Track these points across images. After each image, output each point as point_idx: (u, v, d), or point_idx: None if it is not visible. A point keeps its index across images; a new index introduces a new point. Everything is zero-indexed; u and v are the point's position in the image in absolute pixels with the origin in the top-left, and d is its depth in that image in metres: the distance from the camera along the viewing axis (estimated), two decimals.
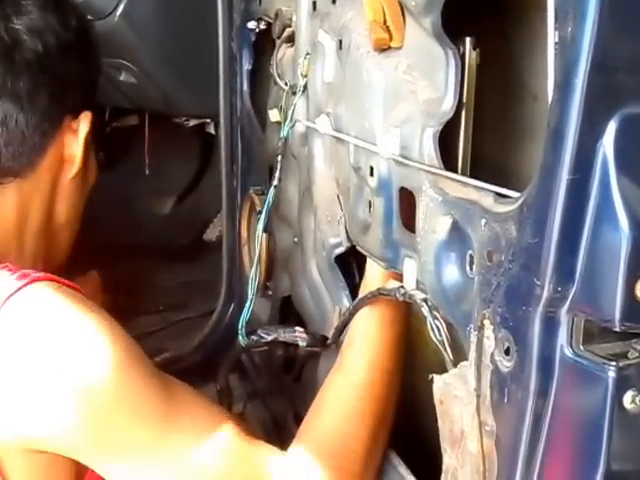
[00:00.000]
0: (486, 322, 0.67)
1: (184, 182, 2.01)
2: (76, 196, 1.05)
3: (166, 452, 0.82)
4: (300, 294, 1.22)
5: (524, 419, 0.64)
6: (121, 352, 0.82)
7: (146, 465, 0.82)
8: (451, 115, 0.74)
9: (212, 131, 1.75)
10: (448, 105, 0.74)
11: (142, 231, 1.90)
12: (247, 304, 1.10)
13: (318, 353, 1.15)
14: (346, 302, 1.07)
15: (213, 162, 1.93)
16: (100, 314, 0.84)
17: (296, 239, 1.23)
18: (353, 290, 1.07)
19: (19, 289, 0.82)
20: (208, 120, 1.71)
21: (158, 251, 1.92)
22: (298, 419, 1.26)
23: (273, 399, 1.38)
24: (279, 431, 1.32)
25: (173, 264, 1.96)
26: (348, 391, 0.92)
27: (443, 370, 0.96)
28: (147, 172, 1.77)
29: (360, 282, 1.04)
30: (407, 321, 0.95)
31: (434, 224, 0.75)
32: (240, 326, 1.09)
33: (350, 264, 1.10)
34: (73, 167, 1.01)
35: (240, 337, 1.09)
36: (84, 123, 1.01)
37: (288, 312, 1.34)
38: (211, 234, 2.02)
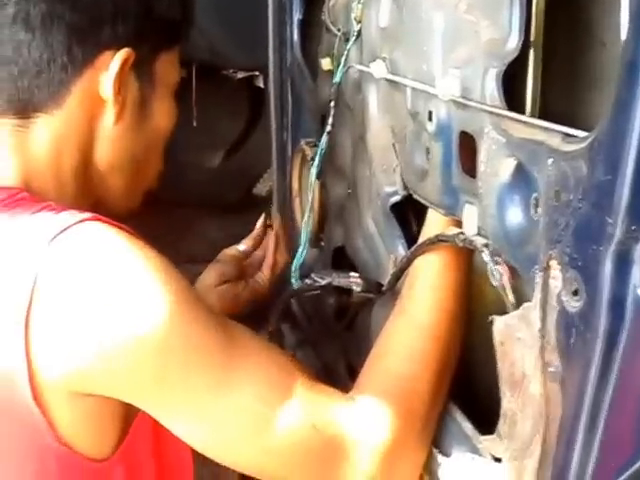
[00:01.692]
0: (553, 262, 0.66)
1: (233, 136, 2.00)
2: (126, 142, 0.99)
3: (226, 397, 0.81)
4: (354, 244, 1.21)
5: (592, 361, 0.63)
6: (178, 292, 0.81)
7: (204, 411, 0.81)
8: (515, 55, 0.72)
9: (261, 84, 1.74)
10: (512, 45, 0.71)
11: (191, 184, 1.90)
12: (300, 248, 1.09)
13: (372, 301, 1.14)
14: (401, 251, 1.06)
15: (262, 116, 1.92)
16: (154, 254, 0.83)
17: (350, 190, 1.22)
18: (408, 240, 1.07)
19: (67, 227, 0.81)
20: (257, 73, 1.69)
21: (208, 205, 1.92)
22: (350, 368, 1.27)
23: (324, 347, 1.38)
24: (330, 379, 1.32)
25: (223, 218, 1.96)
26: (410, 332, 0.91)
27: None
28: (195, 124, 1.76)
29: (416, 232, 1.04)
30: (469, 267, 0.93)
31: (497, 167, 0.74)
32: (293, 269, 1.09)
33: (406, 214, 1.08)
34: (110, 109, 0.95)
35: (293, 280, 1.09)
36: (116, 61, 0.93)
37: (340, 264, 1.33)
38: (261, 189, 2.02)
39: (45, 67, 0.91)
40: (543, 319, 0.68)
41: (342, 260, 1.30)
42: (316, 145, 1.34)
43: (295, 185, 1.47)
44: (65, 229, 0.81)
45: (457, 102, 0.79)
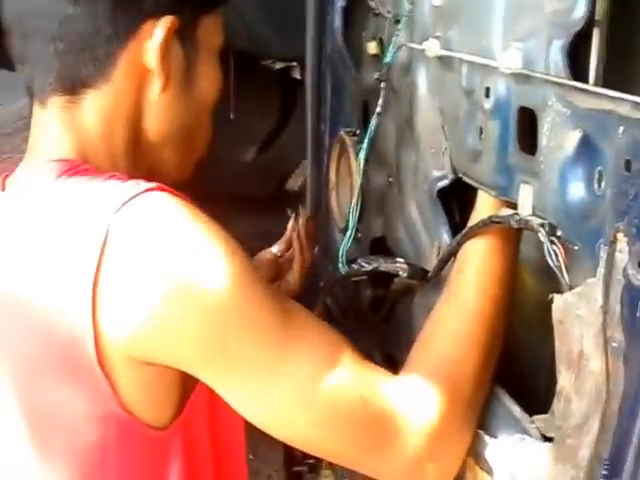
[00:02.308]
0: (619, 235, 0.65)
1: (266, 130, 2.00)
2: (174, 111, 0.97)
3: (281, 370, 0.82)
4: (395, 234, 1.20)
5: None
6: (239, 265, 0.82)
7: (259, 382, 0.82)
8: (582, 25, 0.71)
9: (297, 76, 1.73)
10: (579, 14, 0.70)
11: (224, 178, 1.90)
12: (348, 233, 1.08)
13: (411, 292, 1.13)
14: (446, 238, 1.05)
15: (296, 111, 1.92)
16: (216, 226, 0.83)
17: (391, 178, 1.21)
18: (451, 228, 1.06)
19: (135, 196, 0.82)
20: (294, 63, 1.68)
21: (240, 199, 1.92)
22: (389, 359, 1.26)
23: (360, 339, 1.37)
24: None
25: (254, 212, 1.96)
26: (459, 317, 0.91)
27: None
28: (232, 116, 1.76)
29: (459, 220, 1.03)
30: (516, 252, 0.93)
31: (561, 140, 0.73)
32: (340, 254, 1.08)
33: (450, 202, 1.07)
34: (156, 79, 0.94)
35: (340, 265, 1.09)
36: (160, 29, 0.92)
37: (377, 253, 1.32)
38: (293, 184, 2.01)
39: (91, 41, 0.91)
40: (606, 294, 0.67)
41: (379, 252, 1.29)
42: (356, 134, 1.34)
43: (332, 177, 1.46)
44: (132, 197, 0.82)
45: (517, 76, 0.78)
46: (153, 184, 0.85)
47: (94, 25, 0.90)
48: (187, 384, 0.87)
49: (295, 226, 1.39)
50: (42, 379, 0.84)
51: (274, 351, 0.82)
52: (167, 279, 0.79)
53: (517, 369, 0.98)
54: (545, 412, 0.80)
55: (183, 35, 0.95)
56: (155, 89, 0.95)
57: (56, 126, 0.94)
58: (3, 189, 0.95)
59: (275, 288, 0.89)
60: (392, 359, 1.25)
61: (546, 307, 0.91)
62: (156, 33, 0.92)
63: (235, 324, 0.80)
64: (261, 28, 1.58)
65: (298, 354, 0.82)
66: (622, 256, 0.64)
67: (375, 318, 1.32)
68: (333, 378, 0.83)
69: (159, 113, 0.96)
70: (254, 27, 1.58)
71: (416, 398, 0.86)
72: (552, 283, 0.87)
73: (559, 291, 0.80)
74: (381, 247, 1.28)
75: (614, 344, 0.67)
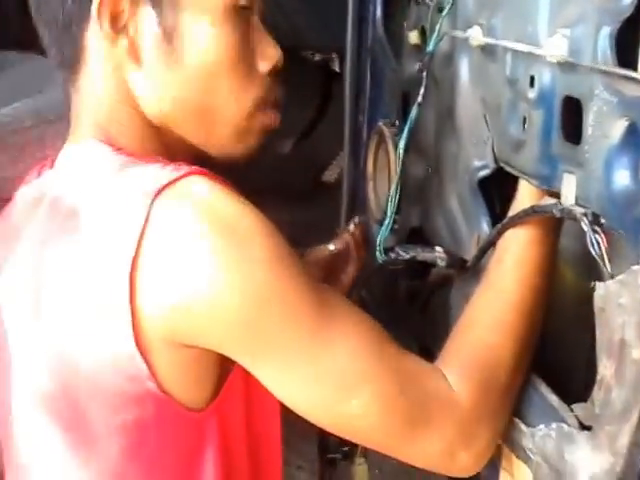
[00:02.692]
0: None
1: (304, 123, 2.00)
2: (165, 88, 0.91)
3: (318, 355, 0.82)
4: (433, 224, 1.19)
5: None
6: (278, 249, 0.82)
7: (297, 367, 0.82)
8: (631, 12, 0.70)
9: (336, 68, 1.73)
10: (628, 0, 0.70)
11: (261, 170, 1.90)
12: (386, 221, 1.08)
13: (449, 282, 1.13)
14: (486, 228, 1.04)
15: (333, 103, 1.91)
16: (256, 212, 0.84)
17: (430, 169, 1.20)
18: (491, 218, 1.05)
19: (176, 180, 0.82)
20: (334, 55, 1.68)
21: (276, 190, 1.92)
22: (426, 351, 1.26)
23: (395, 330, 1.37)
24: None
25: (290, 204, 1.96)
26: (497, 305, 0.91)
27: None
28: None
29: (499, 211, 1.03)
30: (556, 242, 0.92)
31: (607, 129, 0.72)
32: (378, 242, 1.08)
33: (490, 192, 1.07)
34: (123, 53, 0.89)
35: (378, 253, 1.08)
36: None
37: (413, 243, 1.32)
38: (329, 175, 2.01)
39: (64, 23, 0.90)
40: None
41: (416, 243, 1.29)
42: (394, 125, 1.34)
43: (370, 168, 1.46)
44: (173, 181, 0.82)
45: (563, 65, 0.77)
46: (193, 167, 0.85)
47: (63, 7, 0.89)
48: (225, 366, 0.87)
49: (356, 228, 1.38)
50: (79, 360, 0.84)
51: (313, 335, 0.82)
52: (207, 262, 0.79)
53: (555, 358, 0.97)
54: (582, 401, 0.80)
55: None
56: (129, 67, 0.90)
57: (79, 110, 0.95)
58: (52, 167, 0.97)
59: (312, 274, 0.88)
60: (428, 351, 1.25)
61: (584, 297, 0.91)
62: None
63: (274, 308, 0.80)
64: (301, 20, 1.58)
65: (337, 339, 0.82)
66: None
67: (411, 309, 1.32)
68: (372, 364, 0.83)
69: (148, 93, 0.91)
70: (294, 19, 1.57)
71: (453, 386, 0.86)
72: (590, 273, 0.87)
73: (599, 280, 0.80)
74: (418, 238, 1.27)
75: None
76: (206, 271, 0.79)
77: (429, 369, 0.88)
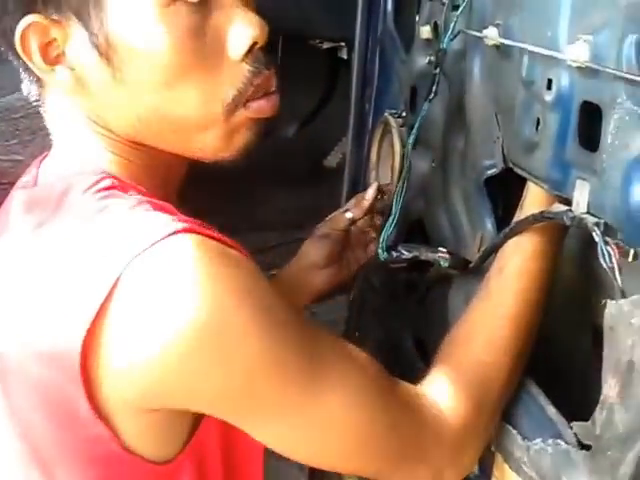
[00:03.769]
0: None
1: (309, 107, 1.93)
2: (114, 107, 0.77)
3: (311, 403, 0.72)
4: (435, 219, 1.14)
5: None
6: (264, 315, 0.70)
7: (290, 418, 0.73)
8: None
9: (344, 56, 1.66)
10: None
11: (264, 153, 1.83)
12: (391, 219, 1.02)
13: (448, 278, 1.07)
14: (490, 228, 0.99)
15: (339, 90, 1.85)
16: (246, 272, 0.71)
17: (435, 163, 1.14)
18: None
19: (160, 240, 0.67)
20: (342, 44, 1.61)
21: (278, 173, 1.86)
22: (420, 344, 1.20)
23: (392, 320, 1.31)
24: (396, 354, 1.27)
25: (291, 187, 1.90)
26: (494, 321, 0.84)
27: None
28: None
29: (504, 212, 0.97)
30: (559, 254, 0.86)
31: (628, 140, 0.66)
32: (382, 239, 1.02)
33: (496, 192, 1.01)
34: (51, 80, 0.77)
35: (380, 251, 1.02)
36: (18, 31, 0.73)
37: (414, 237, 1.27)
38: (331, 161, 1.95)
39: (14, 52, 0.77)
40: None
41: (416, 235, 1.23)
42: (401, 116, 1.28)
43: (373, 157, 1.40)
44: (157, 242, 0.67)
45: (584, 70, 0.71)
46: (185, 224, 0.70)
47: (5, 39, 0.77)
48: (198, 415, 0.76)
49: (377, 191, 1.20)
50: (41, 421, 0.73)
51: (303, 387, 0.72)
52: (183, 332, 0.66)
53: (555, 369, 0.92)
54: (582, 413, 0.75)
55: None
56: (81, 96, 0.77)
57: (51, 128, 0.83)
58: (35, 184, 0.82)
59: (298, 314, 0.76)
60: (422, 343, 1.20)
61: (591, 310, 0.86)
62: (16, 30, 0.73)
63: (261, 367, 0.70)
64: (310, 8, 1.51)
65: (327, 387, 0.73)
66: None
67: (409, 300, 1.26)
68: (363, 406, 0.75)
69: (109, 117, 0.78)
70: (303, 7, 1.51)
71: (446, 406, 0.80)
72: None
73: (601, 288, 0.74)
74: (419, 230, 1.22)
75: None
76: (182, 341, 0.67)
77: (420, 399, 0.81)
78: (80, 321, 0.67)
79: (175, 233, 0.68)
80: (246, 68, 0.77)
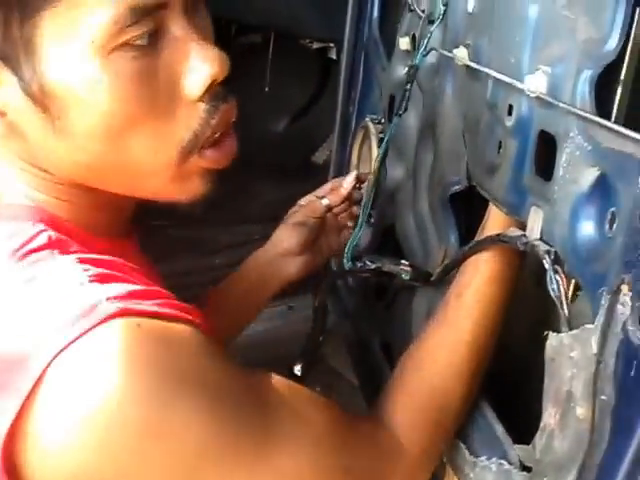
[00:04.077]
0: (624, 287, 0.57)
1: (299, 103, 1.92)
2: (57, 149, 0.68)
3: (262, 471, 0.67)
4: (405, 227, 1.13)
5: None
6: (208, 398, 0.63)
7: None
8: (613, 58, 0.62)
9: (333, 56, 1.65)
10: (611, 46, 0.62)
11: (254, 147, 1.83)
12: (356, 230, 1.01)
13: (413, 287, 1.07)
14: (454, 242, 0.98)
15: (329, 88, 1.84)
16: (186, 354, 0.63)
17: (408, 172, 1.13)
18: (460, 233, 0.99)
19: (90, 329, 0.58)
20: (331, 44, 1.60)
21: (267, 167, 1.85)
22: (386, 348, 1.20)
23: (362, 322, 1.31)
24: (364, 355, 1.26)
25: (279, 181, 1.89)
26: (453, 347, 0.83)
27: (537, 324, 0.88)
28: (267, 89, 1.69)
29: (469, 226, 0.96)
30: (517, 277, 0.85)
31: (577, 174, 0.65)
32: (347, 249, 1.01)
33: (461, 208, 1.00)
34: None
35: (345, 260, 1.02)
36: None
37: (387, 242, 1.26)
38: (319, 157, 1.94)
39: None
40: (602, 345, 0.60)
41: (391, 239, 1.23)
42: (381, 122, 1.26)
43: (354, 160, 1.39)
44: (85, 332, 0.59)
45: (542, 100, 0.70)
46: (119, 304, 0.60)
47: None
48: None
49: (356, 180, 1.15)
50: None
51: (254, 456, 0.66)
52: (115, 434, 0.59)
53: (515, 386, 0.92)
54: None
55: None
56: (18, 142, 0.69)
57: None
58: None
59: (245, 377, 0.69)
60: (389, 347, 1.20)
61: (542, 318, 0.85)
62: None
63: (209, 456, 0.63)
64: (300, 8, 1.50)
65: (280, 450, 0.68)
66: (624, 309, 0.57)
67: (378, 304, 1.26)
68: (318, 461, 0.71)
69: (48, 163, 0.70)
70: (293, 6, 1.50)
71: (402, 433, 0.80)
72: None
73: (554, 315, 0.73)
74: (393, 235, 1.21)
75: (603, 397, 0.60)
76: (143, 454, 0.61)
77: (377, 432, 0.79)
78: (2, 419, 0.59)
79: (105, 320, 0.59)
80: (202, 107, 0.68)
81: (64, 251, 0.65)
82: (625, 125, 0.59)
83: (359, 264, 1.01)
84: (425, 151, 1.04)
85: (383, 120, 1.24)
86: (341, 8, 1.38)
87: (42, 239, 0.66)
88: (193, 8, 0.68)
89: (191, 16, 0.68)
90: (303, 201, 1.17)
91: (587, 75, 0.64)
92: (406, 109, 0.96)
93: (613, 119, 0.64)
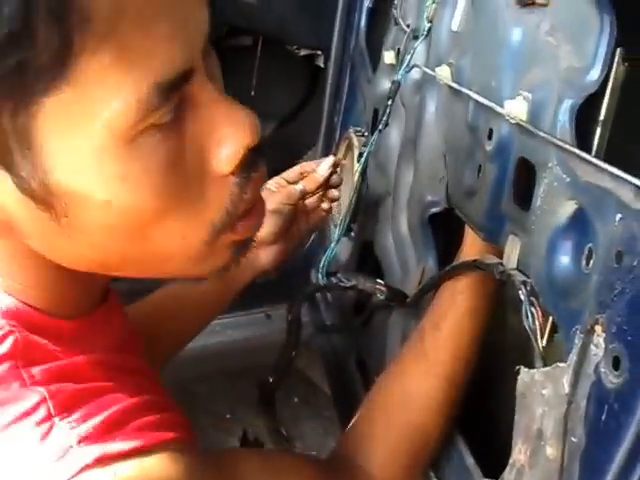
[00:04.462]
0: (598, 328, 0.55)
1: (286, 109, 1.89)
2: (75, 249, 0.55)
3: None
4: (384, 244, 1.11)
5: (621, 443, 0.53)
6: None
7: None
8: (595, 89, 0.60)
9: (321, 64, 1.62)
10: (593, 77, 0.60)
11: None
12: (332, 245, 0.99)
13: (390, 306, 1.04)
14: (431, 262, 0.96)
15: (317, 95, 1.81)
16: None
17: (389, 189, 1.11)
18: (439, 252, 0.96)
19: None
20: (319, 52, 1.57)
21: None
22: (361, 365, 1.18)
23: (339, 337, 1.28)
24: (339, 370, 1.24)
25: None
26: (430, 382, 0.81)
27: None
28: (253, 93, 1.66)
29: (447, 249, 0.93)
30: (494, 306, 0.82)
31: (555, 206, 0.62)
32: (322, 265, 0.99)
33: (441, 227, 0.97)
34: None
35: (320, 276, 0.99)
36: None
37: (367, 256, 1.23)
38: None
39: None
40: (574, 385, 0.57)
41: (369, 253, 1.20)
42: (364, 135, 1.24)
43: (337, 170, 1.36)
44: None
45: (521, 126, 0.67)
46: (95, 452, 0.53)
47: None
48: None
49: (333, 165, 1.04)
50: None
51: None
52: None
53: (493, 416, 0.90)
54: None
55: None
56: (18, 235, 0.55)
57: None
58: None
59: (226, 467, 0.65)
60: (364, 365, 1.17)
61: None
62: None
63: None
64: (292, 17, 1.47)
65: None
66: (597, 351, 0.55)
67: (356, 320, 1.23)
68: None
69: (54, 256, 0.57)
70: (286, 16, 1.47)
71: (379, 470, 0.78)
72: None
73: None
74: (372, 251, 1.18)
75: (573, 439, 0.57)
76: None
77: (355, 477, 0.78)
78: None
79: (81, 472, 0.52)
80: (233, 181, 0.56)
81: (28, 363, 0.56)
82: (605, 160, 0.57)
83: (334, 280, 0.98)
84: (406, 168, 1.01)
85: (366, 133, 1.22)
86: (329, 17, 1.36)
87: (7, 344, 0.56)
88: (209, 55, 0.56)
89: (207, 64, 0.55)
90: (272, 186, 1.04)
91: (568, 105, 0.62)
92: (387, 124, 0.94)
93: (594, 153, 0.61)
